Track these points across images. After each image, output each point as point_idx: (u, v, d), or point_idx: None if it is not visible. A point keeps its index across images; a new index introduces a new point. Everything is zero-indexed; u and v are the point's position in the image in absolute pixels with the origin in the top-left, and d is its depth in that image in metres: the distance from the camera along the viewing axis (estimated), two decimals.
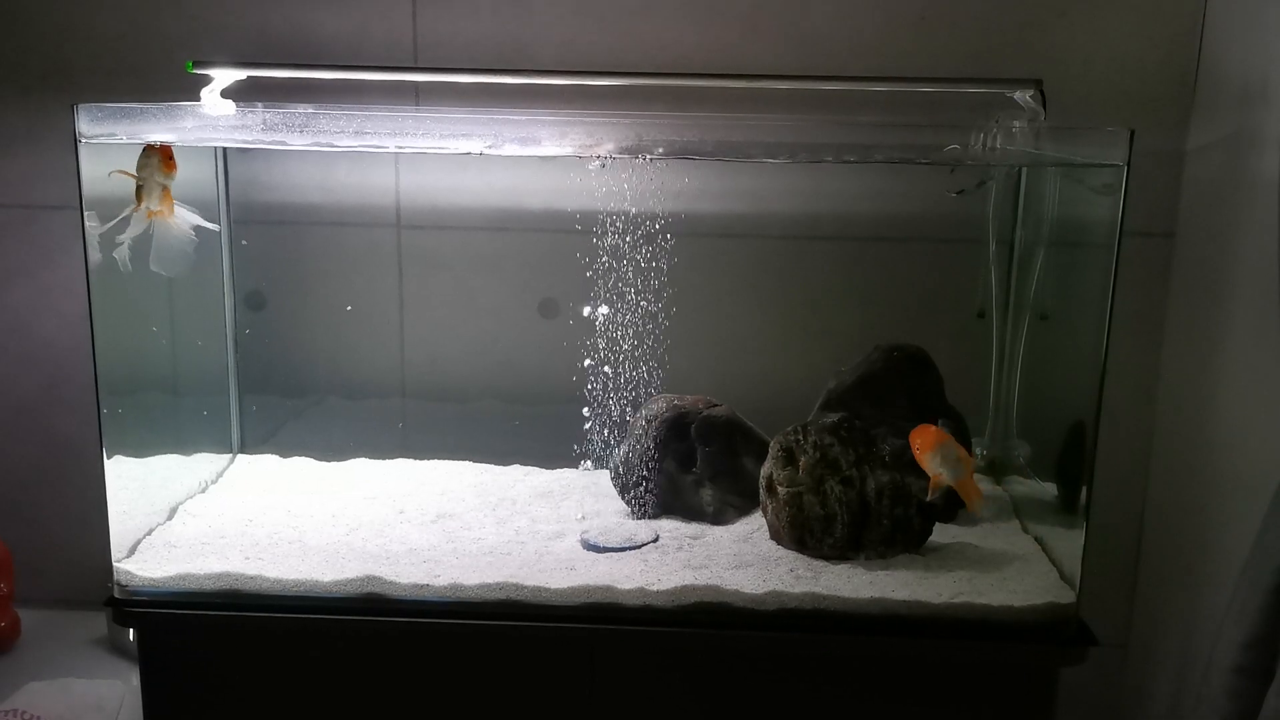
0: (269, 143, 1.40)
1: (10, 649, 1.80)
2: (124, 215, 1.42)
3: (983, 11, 1.69)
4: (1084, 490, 1.38)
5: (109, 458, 1.46)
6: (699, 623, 1.36)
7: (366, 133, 1.48)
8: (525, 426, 1.80)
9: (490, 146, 1.48)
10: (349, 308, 1.77)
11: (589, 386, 1.59)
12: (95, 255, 1.39)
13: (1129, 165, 1.28)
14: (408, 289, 1.82)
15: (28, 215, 1.82)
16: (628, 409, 1.61)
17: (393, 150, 1.73)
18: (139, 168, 1.41)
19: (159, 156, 1.39)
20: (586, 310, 1.58)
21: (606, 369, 1.59)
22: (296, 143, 1.38)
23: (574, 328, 1.59)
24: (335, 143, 1.40)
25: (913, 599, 1.36)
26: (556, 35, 1.73)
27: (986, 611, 1.35)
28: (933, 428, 1.46)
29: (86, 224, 1.41)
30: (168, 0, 1.73)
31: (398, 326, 1.82)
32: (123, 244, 1.42)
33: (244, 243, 1.76)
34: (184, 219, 1.46)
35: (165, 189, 1.43)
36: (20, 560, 1.84)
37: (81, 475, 1.89)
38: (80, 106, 1.33)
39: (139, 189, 1.42)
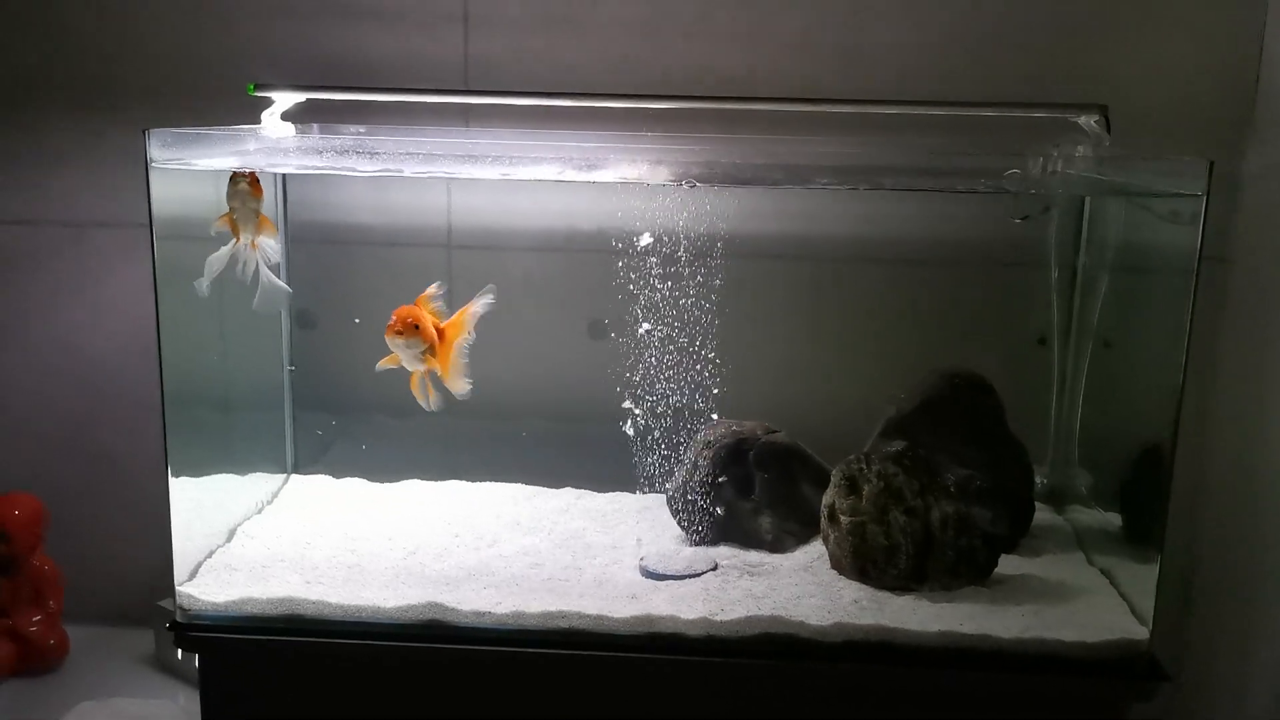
0: (341, 169, 1.40)
1: (59, 666, 1.80)
2: (225, 251, 1.44)
3: (1038, 35, 1.68)
4: (1158, 523, 1.36)
5: (181, 476, 1.45)
6: (764, 654, 1.35)
7: (420, 154, 1.49)
8: (577, 449, 1.78)
9: (561, 173, 1.48)
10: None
11: (641, 410, 1.58)
12: (165, 277, 1.40)
13: (1208, 195, 1.26)
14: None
15: (76, 233, 1.83)
16: (681, 433, 1.60)
17: (487, 178, 1.71)
18: (229, 198, 1.42)
19: (246, 183, 1.40)
20: (642, 329, 1.58)
21: (659, 392, 1.58)
22: (365, 168, 1.38)
23: (626, 350, 1.59)
24: (402, 168, 1.40)
25: (981, 633, 1.34)
26: (608, 56, 1.73)
27: (1058, 647, 1.33)
28: (405, 311, 1.44)
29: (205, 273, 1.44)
30: (218, 20, 1.74)
31: None
32: (203, 280, 1.44)
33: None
34: (269, 245, 1.48)
35: (260, 214, 1.44)
36: (67, 577, 1.84)
37: (129, 493, 1.89)
38: (151, 132, 1.33)
39: (233, 222, 1.43)
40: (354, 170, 1.39)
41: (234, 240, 1.44)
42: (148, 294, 1.81)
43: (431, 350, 1.46)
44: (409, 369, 1.48)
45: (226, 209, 1.44)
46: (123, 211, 1.80)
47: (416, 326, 1.43)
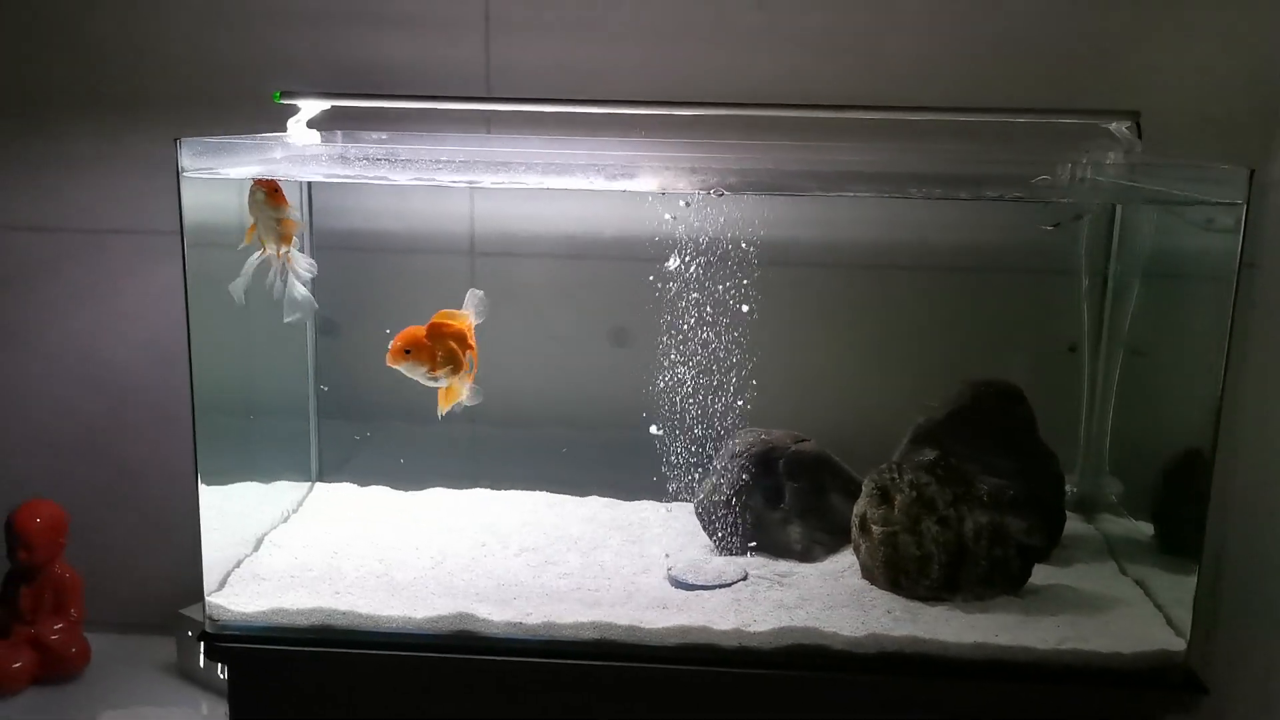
0: (373, 178, 1.39)
1: (80, 675, 1.79)
2: (253, 261, 1.42)
3: (1061, 39, 1.67)
4: (1195, 533, 1.35)
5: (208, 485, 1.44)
6: (798, 665, 1.34)
7: (447, 163, 1.48)
8: (602, 457, 1.77)
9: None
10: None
11: (666, 418, 1.57)
12: (195, 284, 1.39)
13: (1249, 204, 1.25)
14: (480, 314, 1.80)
15: (93, 239, 1.82)
16: (707, 441, 1.59)
17: (538, 187, 1.69)
18: (249, 209, 1.41)
19: (263, 192, 1.39)
20: (664, 338, 1.56)
21: (685, 400, 1.56)
22: (400, 178, 1.37)
23: (651, 357, 1.57)
24: (437, 178, 1.39)
25: (1016, 644, 1.33)
26: (630, 62, 1.72)
27: (1094, 658, 1.32)
28: (403, 335, 1.44)
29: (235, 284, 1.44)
30: (238, 28, 1.73)
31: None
32: (240, 286, 1.43)
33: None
34: (302, 262, 1.47)
35: (281, 223, 1.42)
36: (87, 584, 1.82)
37: (149, 500, 1.88)
38: (183, 141, 1.32)
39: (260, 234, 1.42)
40: (387, 180, 1.38)
41: (260, 251, 1.43)
42: (166, 301, 1.83)
43: (451, 367, 1.46)
44: (425, 381, 1.48)
45: (251, 221, 1.43)
46: (142, 218, 1.80)
47: (408, 351, 1.44)
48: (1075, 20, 1.66)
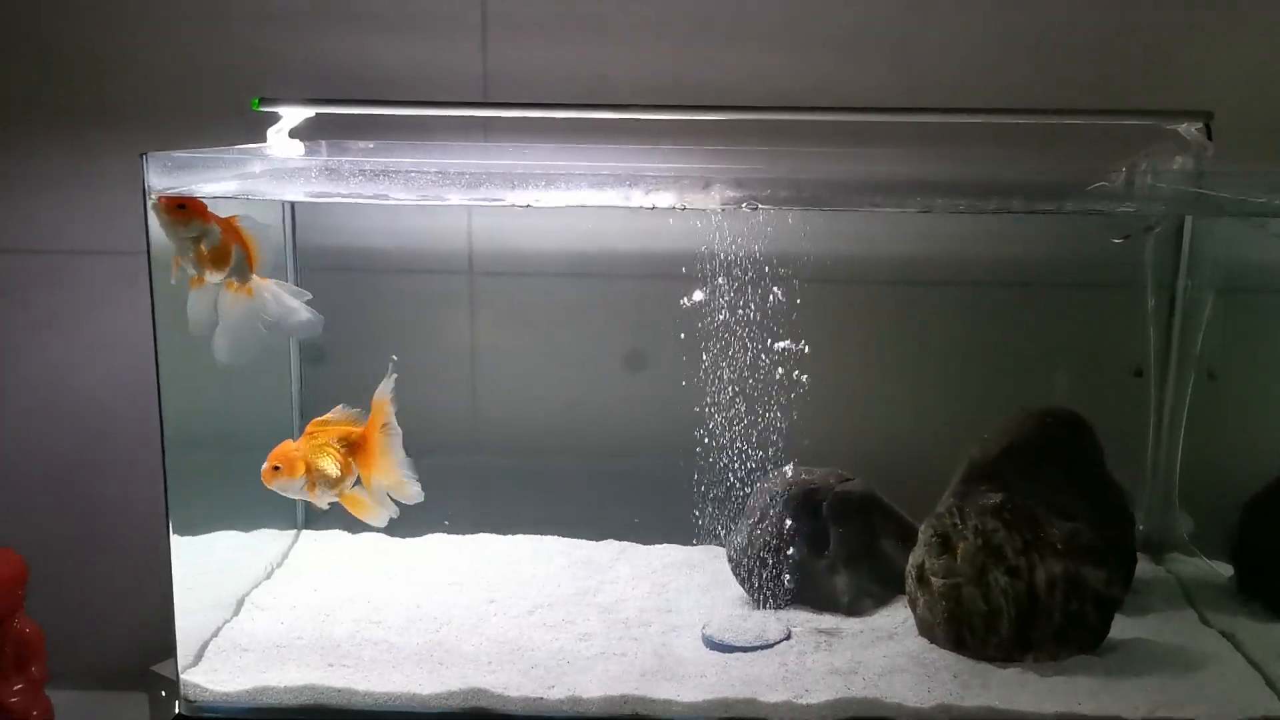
0: (370, 197, 1.25)
1: None
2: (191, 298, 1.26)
3: (1100, 38, 1.56)
4: None
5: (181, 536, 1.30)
6: None
7: (443, 177, 1.35)
8: (616, 495, 1.63)
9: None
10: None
11: (689, 451, 1.43)
12: (163, 310, 1.24)
13: None
14: (480, 339, 1.68)
15: (62, 261, 1.69)
16: (737, 479, 1.45)
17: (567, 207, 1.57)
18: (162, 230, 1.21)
19: (164, 210, 1.18)
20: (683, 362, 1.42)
21: (711, 432, 1.43)
22: (401, 197, 1.22)
23: (665, 384, 1.46)
24: (446, 196, 1.24)
25: (1104, 713, 1.19)
26: (640, 64, 1.61)
27: None
28: (275, 452, 1.30)
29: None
30: (217, 32, 1.61)
31: (470, 380, 1.68)
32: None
33: None
34: (267, 290, 1.30)
35: (194, 244, 1.21)
36: (51, 636, 1.67)
37: (115, 546, 1.76)
38: (150, 156, 1.17)
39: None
40: (387, 198, 1.23)
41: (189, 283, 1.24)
42: (140, 328, 1.65)
43: (333, 478, 1.32)
44: (318, 500, 1.33)
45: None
46: (114, 238, 1.67)
47: (278, 468, 1.30)
48: (1123, 15, 1.55)
